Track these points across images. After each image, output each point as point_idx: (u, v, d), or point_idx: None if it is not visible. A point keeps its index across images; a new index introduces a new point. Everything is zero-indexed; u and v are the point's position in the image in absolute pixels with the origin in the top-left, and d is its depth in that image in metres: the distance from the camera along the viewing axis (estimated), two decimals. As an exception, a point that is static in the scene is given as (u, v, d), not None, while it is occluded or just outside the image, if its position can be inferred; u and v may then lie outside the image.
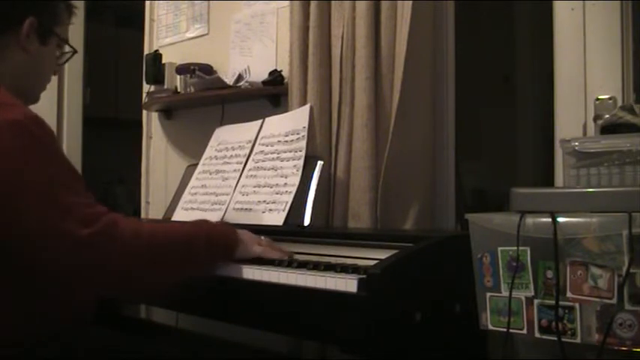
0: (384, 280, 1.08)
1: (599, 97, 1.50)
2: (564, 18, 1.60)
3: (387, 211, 1.73)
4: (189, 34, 2.57)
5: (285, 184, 1.70)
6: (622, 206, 0.98)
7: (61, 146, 1.21)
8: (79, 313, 1.28)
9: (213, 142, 2.07)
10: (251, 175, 1.83)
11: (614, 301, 0.97)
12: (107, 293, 1.31)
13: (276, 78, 2.10)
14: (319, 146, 1.84)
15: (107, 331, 1.39)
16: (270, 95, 2.14)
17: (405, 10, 1.71)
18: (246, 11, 2.34)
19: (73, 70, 3.34)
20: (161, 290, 1.29)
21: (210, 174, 1.98)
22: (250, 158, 1.88)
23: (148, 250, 1.15)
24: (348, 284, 1.09)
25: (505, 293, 1.08)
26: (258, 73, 2.19)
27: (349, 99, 1.82)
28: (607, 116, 1.33)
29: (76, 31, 3.32)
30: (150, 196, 2.73)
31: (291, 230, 1.59)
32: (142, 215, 2.75)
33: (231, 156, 1.95)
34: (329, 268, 1.22)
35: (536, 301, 1.05)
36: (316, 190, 1.66)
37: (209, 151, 2.05)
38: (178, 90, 2.43)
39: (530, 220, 1.06)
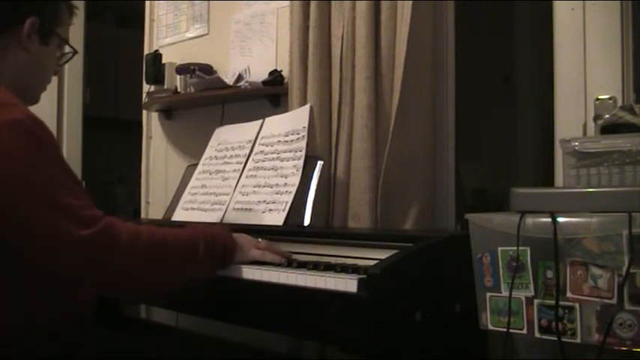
0: (384, 280, 1.08)
1: (599, 97, 1.50)
2: (564, 18, 1.60)
3: (387, 211, 1.73)
4: (189, 34, 2.57)
5: (285, 184, 1.70)
6: (622, 206, 0.98)
7: (58, 146, 1.20)
8: (79, 313, 1.28)
9: (213, 142, 2.07)
10: (251, 175, 1.83)
11: (614, 301, 0.97)
12: (106, 294, 1.31)
13: (276, 78, 2.10)
14: (319, 146, 1.84)
15: (107, 331, 1.39)
16: (270, 95, 2.14)
17: (405, 10, 1.71)
18: (246, 11, 2.34)
19: (73, 70, 3.34)
20: (160, 292, 1.28)
21: (210, 174, 1.98)
22: (250, 158, 1.88)
23: (146, 252, 1.15)
24: (348, 284, 1.09)
25: (505, 293, 1.08)
26: (258, 73, 2.18)
27: (349, 99, 1.82)
28: (607, 116, 1.33)
29: (76, 31, 3.33)
30: (150, 196, 2.73)
31: (291, 230, 1.59)
32: (142, 215, 2.75)
33: (231, 156, 1.95)
34: (329, 268, 1.22)
35: (536, 301, 1.05)
36: (316, 190, 1.66)
37: (209, 151, 2.05)
38: (178, 90, 2.43)
39: (530, 220, 1.06)
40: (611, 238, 0.98)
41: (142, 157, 2.75)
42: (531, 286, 1.06)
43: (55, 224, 1.07)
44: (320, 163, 1.71)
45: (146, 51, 2.70)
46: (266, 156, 1.83)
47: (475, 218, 1.13)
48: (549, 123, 1.65)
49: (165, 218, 2.05)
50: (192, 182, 2.02)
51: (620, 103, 1.46)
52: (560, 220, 1.03)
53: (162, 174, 2.65)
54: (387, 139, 1.72)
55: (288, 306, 1.21)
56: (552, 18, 1.64)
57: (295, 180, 1.68)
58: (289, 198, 1.66)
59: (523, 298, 1.07)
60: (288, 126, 1.82)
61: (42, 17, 1.27)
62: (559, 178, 1.52)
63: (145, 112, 2.71)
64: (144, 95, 2.59)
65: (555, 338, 1.02)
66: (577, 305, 1.01)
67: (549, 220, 1.03)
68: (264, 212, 1.70)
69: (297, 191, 1.66)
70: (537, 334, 1.05)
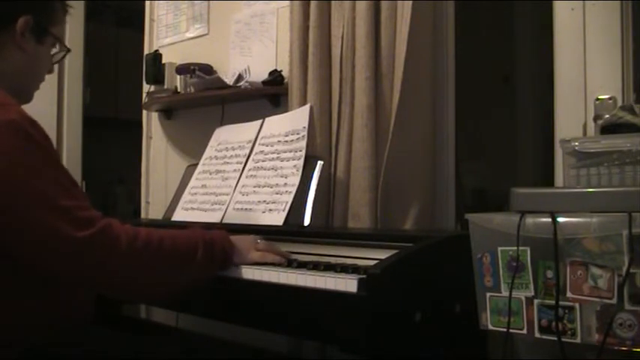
0: (384, 280, 1.08)
1: (599, 97, 1.50)
2: (564, 18, 1.61)
3: (387, 211, 1.73)
4: (189, 34, 2.57)
5: (285, 184, 1.70)
6: (622, 206, 0.98)
7: (54, 148, 1.20)
8: (78, 313, 1.28)
9: (213, 142, 2.07)
10: (251, 175, 1.83)
11: (614, 301, 0.97)
12: (105, 295, 1.31)
13: (276, 78, 2.10)
14: (319, 146, 1.84)
15: (107, 331, 1.39)
16: (270, 95, 2.14)
17: (405, 10, 1.71)
18: (246, 11, 2.34)
19: (73, 70, 3.33)
20: (158, 294, 1.27)
21: (210, 174, 1.98)
22: (250, 158, 1.88)
23: (144, 254, 1.14)
24: (348, 284, 1.09)
25: (505, 293, 1.08)
26: (258, 73, 2.18)
27: (349, 99, 1.82)
28: (607, 116, 1.33)
29: (76, 31, 3.34)
30: (150, 196, 2.73)
31: (291, 230, 1.59)
32: (142, 215, 2.75)
33: (231, 156, 1.95)
34: (329, 268, 1.22)
35: (536, 301, 1.05)
36: (316, 190, 1.66)
37: (209, 151, 2.05)
38: (178, 90, 2.43)
39: (530, 220, 1.06)
40: (611, 238, 0.98)
41: (142, 157, 2.75)
42: (531, 286, 1.06)
43: (53, 225, 1.06)
44: (320, 163, 1.71)
45: (146, 51, 2.70)
46: (266, 156, 1.83)
47: (475, 218, 1.13)
48: (549, 123, 1.65)
49: (165, 218, 2.06)
50: (192, 182, 2.02)
51: (620, 103, 1.46)
52: (560, 220, 1.03)
53: (162, 174, 2.65)
54: (387, 139, 1.72)
55: (288, 306, 1.21)
56: (552, 18, 1.64)
57: (295, 180, 1.68)
58: (289, 198, 1.66)
59: (523, 298, 1.07)
60: (288, 126, 1.82)
61: (36, 16, 1.26)
62: (559, 178, 1.52)
63: (145, 112, 2.71)
64: (144, 95, 2.59)
65: (555, 338, 1.02)
66: (577, 305, 1.01)
67: (549, 220, 1.03)
68: (264, 212, 1.70)
69: (297, 191, 1.66)
70: (537, 334, 1.05)
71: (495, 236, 1.10)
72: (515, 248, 1.06)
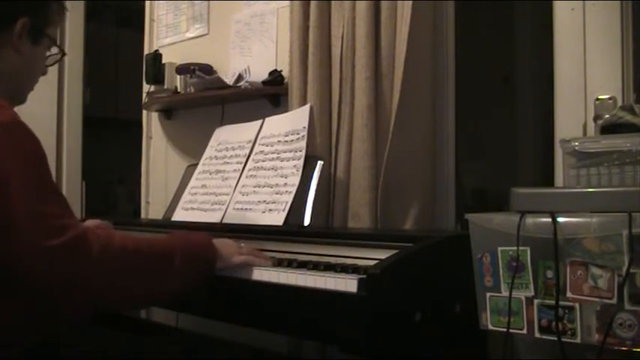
0: (384, 280, 1.08)
1: (599, 97, 1.50)
2: (564, 18, 1.61)
3: (387, 211, 1.73)
4: (189, 34, 2.57)
5: (285, 184, 1.70)
6: (622, 206, 0.98)
7: (42, 151, 1.17)
8: (77, 313, 1.28)
9: (213, 142, 2.07)
10: (251, 175, 1.83)
11: (614, 301, 0.97)
12: (77, 305, 1.28)
13: (276, 78, 2.10)
14: (319, 146, 1.84)
15: (107, 331, 1.39)
16: (270, 95, 2.14)
17: (405, 10, 1.71)
18: (246, 11, 2.34)
19: (73, 70, 3.33)
20: (136, 302, 1.24)
21: (210, 174, 1.98)
22: (250, 158, 1.88)
23: (118, 262, 1.11)
24: (348, 284, 1.09)
25: (505, 293, 1.08)
26: (258, 73, 2.19)
27: (349, 99, 1.82)
28: (607, 116, 1.33)
29: (76, 31, 3.34)
30: (150, 196, 2.73)
31: (291, 230, 1.59)
32: (142, 215, 2.76)
33: (231, 156, 1.95)
34: (329, 268, 1.22)
35: (536, 301, 1.05)
36: (316, 190, 1.66)
37: (209, 151, 2.05)
38: (178, 90, 2.43)
39: (530, 220, 1.06)
40: (611, 238, 0.98)
41: (142, 157, 2.75)
42: (531, 286, 1.06)
43: (24, 232, 1.03)
44: (320, 163, 1.71)
45: (146, 51, 2.70)
46: (266, 156, 1.83)
47: (475, 218, 1.13)
48: (549, 123, 1.65)
49: (165, 218, 2.06)
50: (192, 182, 2.02)
51: (620, 103, 1.46)
52: (560, 220, 1.03)
53: (162, 174, 2.65)
54: (387, 139, 1.72)
55: (288, 306, 1.20)
56: (552, 18, 1.64)
57: (295, 180, 1.68)
58: (289, 198, 1.66)
59: (523, 298, 1.07)
60: (288, 126, 1.82)
61: (33, 18, 1.25)
62: (559, 178, 1.52)
63: (145, 112, 2.71)
64: (144, 95, 2.59)
65: (555, 338, 1.02)
66: (577, 305, 1.01)
67: (549, 220, 1.03)
68: (264, 212, 1.70)
69: (297, 191, 1.66)
70: (537, 334, 1.05)
71: (495, 236, 1.10)
72: (515, 248, 1.06)
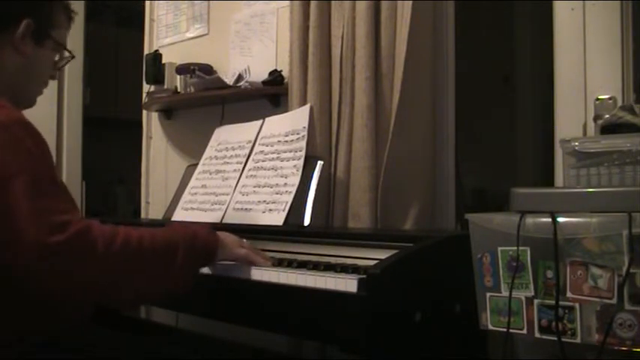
0: (384, 280, 1.08)
1: (599, 97, 1.50)
2: (564, 18, 1.61)
3: (387, 211, 1.73)
4: (189, 34, 2.57)
5: (285, 184, 1.70)
6: (622, 206, 0.98)
7: (46, 149, 1.17)
8: (77, 313, 1.28)
9: (213, 142, 2.07)
10: (251, 175, 1.83)
11: (614, 301, 0.97)
12: (81, 302, 1.24)
13: (276, 78, 2.10)
14: (319, 146, 1.84)
15: (107, 331, 1.39)
16: (270, 95, 2.14)
17: (405, 10, 1.71)
18: (246, 11, 2.34)
19: (73, 70, 3.34)
20: (142, 296, 1.22)
21: (210, 174, 1.98)
22: (250, 158, 1.88)
23: (120, 259, 1.10)
24: (348, 284, 1.09)
25: (505, 293, 1.08)
26: (258, 73, 2.19)
27: (349, 99, 1.82)
28: (607, 116, 1.33)
29: (76, 31, 3.33)
30: (150, 196, 2.73)
31: (291, 230, 1.59)
32: (142, 215, 2.76)
33: (231, 156, 1.95)
34: (329, 268, 1.22)
35: (536, 301, 1.05)
36: (316, 190, 1.66)
37: (209, 151, 2.05)
38: (178, 90, 2.43)
39: (530, 220, 1.06)
40: (611, 238, 0.98)
41: (142, 157, 2.75)
42: (531, 286, 1.06)
43: (27, 229, 1.03)
44: (320, 163, 1.71)
45: (146, 51, 2.70)
46: (266, 156, 1.83)
47: (475, 218, 1.13)
48: (549, 123, 1.65)
49: (165, 218, 2.06)
50: (192, 182, 2.02)
51: (620, 103, 1.46)
52: (560, 220, 1.03)
53: (162, 174, 2.65)
54: (387, 139, 1.72)
55: (288, 306, 1.20)
56: (552, 18, 1.64)
57: (295, 180, 1.68)
58: (289, 198, 1.66)
59: (523, 298, 1.07)
60: (288, 126, 1.82)
61: (36, 19, 1.24)
62: (559, 178, 1.52)
63: (145, 112, 2.71)
64: (144, 95, 2.59)
65: (555, 338, 1.02)
66: (577, 305, 1.01)
67: (549, 220, 1.03)
68: (264, 212, 1.70)
69: (297, 191, 1.66)
70: (537, 334, 1.05)
71: (495, 236, 1.10)
72: (515, 248, 1.06)
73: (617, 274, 0.97)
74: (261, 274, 1.24)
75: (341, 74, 1.85)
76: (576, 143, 1.23)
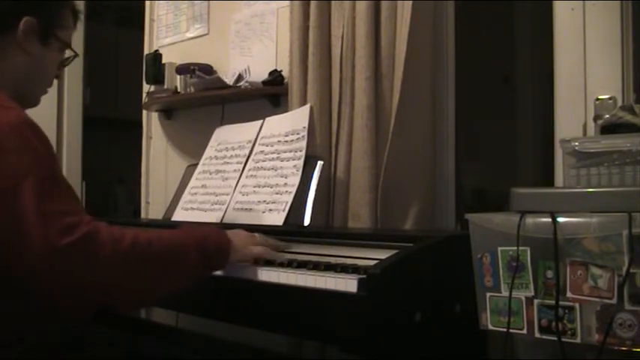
0: (384, 280, 1.08)
1: (599, 97, 1.50)
2: (564, 18, 1.61)
3: (387, 211, 1.73)
4: (189, 34, 2.57)
5: (285, 184, 1.70)
6: (622, 206, 0.98)
7: (52, 150, 1.17)
8: (78, 313, 1.28)
9: (213, 142, 2.07)
10: (251, 175, 1.83)
11: (614, 301, 0.97)
12: (91, 303, 1.23)
13: (276, 78, 2.10)
14: (319, 146, 1.84)
15: (107, 331, 1.39)
16: (270, 95, 2.14)
17: (405, 10, 1.71)
18: (246, 11, 2.34)
19: (73, 70, 3.34)
20: (151, 298, 1.22)
21: (210, 174, 1.98)
22: (250, 158, 1.88)
23: (129, 260, 1.09)
24: (348, 284, 1.09)
25: (505, 293, 1.08)
26: (258, 73, 2.19)
27: (349, 99, 1.82)
28: (607, 116, 1.33)
29: (76, 31, 3.34)
30: (150, 196, 2.73)
31: (291, 230, 1.59)
32: (142, 215, 2.75)
33: (231, 156, 1.95)
34: (329, 268, 1.22)
35: (536, 301, 1.05)
36: (316, 190, 1.66)
37: (209, 151, 2.05)
38: (178, 90, 2.43)
39: (530, 220, 1.06)
40: (611, 238, 0.98)
41: (142, 157, 2.75)
42: (531, 286, 1.06)
43: (36, 231, 1.02)
44: (320, 163, 1.71)
45: (146, 51, 2.70)
46: (266, 156, 1.83)
47: (475, 218, 1.13)
48: (549, 123, 1.65)
49: (165, 218, 2.06)
50: (192, 182, 2.02)
51: (620, 103, 1.46)
52: (560, 220, 1.03)
53: (162, 174, 2.65)
54: (387, 139, 1.72)
55: (288, 306, 1.20)
56: (552, 18, 1.64)
57: (295, 180, 1.68)
58: (289, 198, 1.66)
59: (523, 298, 1.07)
60: (288, 126, 1.82)
61: (41, 18, 1.25)
62: (559, 178, 1.52)
63: (145, 112, 2.71)
64: (144, 95, 2.59)
65: (555, 338, 1.02)
66: (577, 305, 1.01)
67: (549, 220, 1.03)
68: (264, 212, 1.70)
69: (297, 191, 1.66)
70: (537, 334, 1.05)
71: (495, 236, 1.10)
72: (515, 248, 1.06)
73: (617, 274, 0.97)
74: (261, 274, 1.24)
75: (341, 74, 1.85)
76: (576, 143, 1.23)
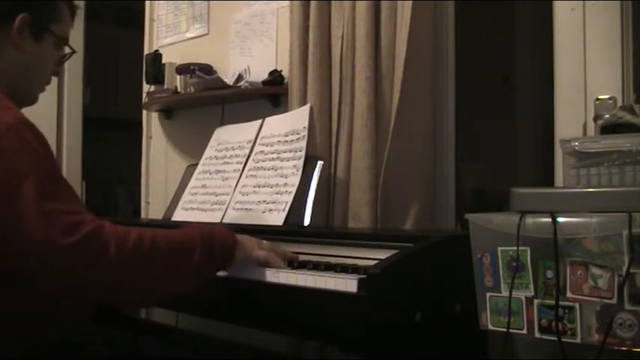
0: (384, 280, 1.08)
1: (599, 97, 1.50)
2: (564, 18, 1.61)
3: (387, 211, 1.73)
4: (189, 34, 2.57)
5: (285, 184, 1.70)
6: (622, 206, 0.98)
7: (50, 150, 1.16)
8: (78, 313, 1.28)
9: (213, 142, 2.07)
10: (251, 175, 1.83)
11: (614, 301, 0.97)
12: (95, 301, 1.25)
13: (276, 78, 2.10)
14: (319, 146, 1.84)
15: (107, 331, 1.39)
16: (270, 95, 2.14)
17: (405, 10, 1.71)
18: (246, 11, 2.34)
19: (73, 70, 3.34)
20: (157, 297, 1.21)
21: (210, 174, 1.98)
22: (250, 158, 1.88)
23: (135, 257, 1.09)
24: (348, 284, 1.09)
25: (505, 293, 1.08)
26: (258, 73, 2.19)
27: (349, 99, 1.82)
28: (607, 116, 1.33)
29: (76, 30, 3.33)
30: (150, 196, 2.73)
31: (291, 230, 1.59)
32: (142, 215, 2.75)
33: (231, 156, 1.95)
34: (329, 268, 1.22)
35: (536, 301, 1.05)
36: (316, 190, 1.66)
37: (209, 151, 2.05)
38: (178, 90, 2.43)
39: (530, 220, 1.06)
40: (611, 238, 0.98)
41: (142, 157, 2.75)
42: (531, 286, 1.06)
43: (37, 231, 1.02)
44: (320, 163, 1.71)
45: (146, 51, 2.70)
46: (266, 156, 1.83)
47: (475, 218, 1.13)
48: (549, 123, 1.65)
49: (165, 218, 2.06)
50: (192, 182, 2.02)
51: (620, 103, 1.46)
52: (560, 220, 1.03)
53: (162, 174, 2.65)
54: (387, 139, 1.72)
55: (289, 306, 1.20)
56: (552, 18, 1.64)
57: (295, 180, 1.68)
58: (289, 198, 1.66)
59: (523, 298, 1.07)
60: (288, 126, 1.82)
61: (35, 14, 1.23)
62: (559, 178, 1.52)
63: (145, 112, 2.71)
64: (144, 95, 2.59)
65: (555, 338, 1.02)
66: (577, 305, 1.01)
67: (549, 220, 1.03)
68: (264, 212, 1.70)
69: (297, 191, 1.66)
70: (537, 334, 1.05)
71: (495, 236, 1.10)
72: (515, 248, 1.06)
73: (617, 274, 0.97)
74: (261, 274, 1.24)
75: (341, 74, 1.85)
76: (576, 143, 1.23)
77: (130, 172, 3.27)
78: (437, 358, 1.20)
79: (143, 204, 2.75)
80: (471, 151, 2.54)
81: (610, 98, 1.48)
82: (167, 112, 2.62)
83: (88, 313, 1.31)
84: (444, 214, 1.82)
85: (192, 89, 2.35)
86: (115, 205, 4.35)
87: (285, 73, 2.08)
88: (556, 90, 1.62)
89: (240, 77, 2.23)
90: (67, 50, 1.36)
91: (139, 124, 2.78)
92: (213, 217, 1.83)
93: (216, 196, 1.89)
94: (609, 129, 1.30)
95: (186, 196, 2.01)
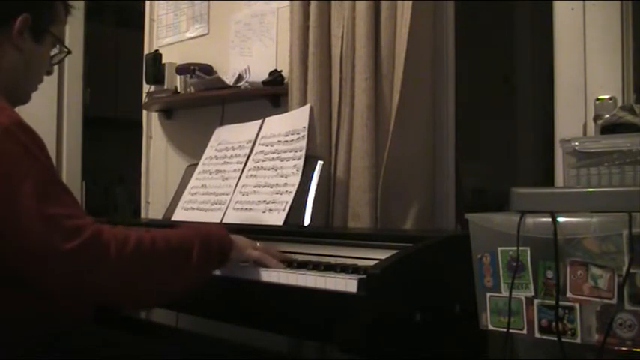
0: (384, 280, 1.08)
1: (599, 97, 1.50)
2: (564, 18, 1.61)
3: (387, 211, 1.73)
4: (189, 34, 2.57)
5: (285, 184, 1.70)
6: (622, 206, 0.98)
7: (47, 152, 1.16)
8: (78, 313, 1.28)
9: (213, 142, 2.07)
10: (251, 175, 1.83)
11: (614, 301, 0.97)
12: (96, 304, 1.26)
13: (276, 78, 2.10)
14: (319, 146, 1.84)
15: (107, 331, 1.39)
16: (270, 95, 2.14)
17: (405, 10, 1.71)
18: (246, 11, 2.34)
19: (73, 70, 3.33)
20: (156, 298, 1.22)
21: (210, 174, 1.98)
22: (250, 158, 1.88)
23: (135, 259, 1.09)
24: (348, 284, 1.09)
25: (505, 293, 1.08)
26: (258, 73, 2.19)
27: (349, 99, 1.82)
28: (607, 116, 1.33)
29: (76, 31, 3.33)
30: (150, 196, 2.73)
31: (291, 230, 1.59)
32: (142, 215, 2.75)
33: (231, 156, 1.95)
34: (329, 268, 1.22)
35: (536, 301, 1.05)
36: (316, 190, 1.66)
37: (209, 151, 2.05)
38: (178, 90, 2.43)
39: (530, 220, 1.06)
40: (611, 238, 0.98)
41: (142, 157, 2.75)
42: (531, 286, 1.06)
43: (38, 237, 1.02)
44: (320, 163, 1.71)
45: (146, 51, 2.70)
46: (266, 156, 1.83)
47: (475, 218, 1.13)
48: (549, 123, 1.65)
49: (165, 218, 2.06)
50: (192, 182, 2.02)
51: (620, 103, 1.46)
52: (560, 220, 1.03)
53: (162, 174, 2.65)
54: (387, 139, 1.72)
55: (288, 306, 1.20)
56: (552, 18, 1.64)
57: (295, 180, 1.68)
58: (289, 198, 1.66)
59: (523, 298, 1.07)
60: (288, 126, 1.82)
61: (35, 14, 1.23)
62: (559, 178, 1.52)
63: (145, 112, 2.71)
64: (144, 95, 2.59)
65: (555, 338, 1.02)
66: (577, 305, 1.01)
67: (549, 220, 1.03)
68: (264, 212, 1.70)
69: (297, 191, 1.66)
70: (537, 334, 1.05)
71: (495, 236, 1.10)
72: (515, 248, 1.06)
73: (617, 274, 0.97)
74: (261, 274, 1.24)
75: (341, 74, 1.85)
76: (576, 143, 1.23)
77: (130, 172, 3.27)
78: (437, 358, 1.20)
79: (143, 204, 2.75)
80: (471, 151, 2.54)
81: (610, 98, 1.48)
82: (167, 112, 2.62)
83: (88, 313, 1.31)
84: (444, 214, 1.82)
85: (192, 89, 2.35)
86: (115, 205, 4.35)
87: (285, 73, 2.08)
88: (556, 90, 1.62)
89: (240, 77, 2.23)
90: (60, 49, 1.36)
91: (139, 124, 2.77)
92: (213, 217, 1.83)
93: (216, 196, 1.89)
94: (609, 129, 1.30)
95: (186, 196, 2.01)
